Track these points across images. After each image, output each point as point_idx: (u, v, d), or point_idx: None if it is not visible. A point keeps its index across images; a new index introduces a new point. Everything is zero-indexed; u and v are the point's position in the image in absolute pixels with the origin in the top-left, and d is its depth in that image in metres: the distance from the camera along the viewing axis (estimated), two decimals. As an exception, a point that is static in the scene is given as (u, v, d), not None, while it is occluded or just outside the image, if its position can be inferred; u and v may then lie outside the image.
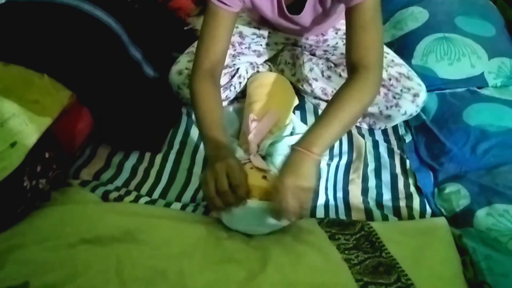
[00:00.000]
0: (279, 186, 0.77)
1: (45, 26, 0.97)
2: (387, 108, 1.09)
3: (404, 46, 1.31)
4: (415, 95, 1.07)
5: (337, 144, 1.12)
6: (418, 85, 1.08)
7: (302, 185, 0.77)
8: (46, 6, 1.00)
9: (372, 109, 1.12)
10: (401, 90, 1.07)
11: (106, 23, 1.05)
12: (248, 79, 1.24)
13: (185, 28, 1.45)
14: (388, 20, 1.48)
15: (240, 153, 0.96)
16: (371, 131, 1.19)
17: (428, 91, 1.16)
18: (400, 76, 1.08)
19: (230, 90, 1.19)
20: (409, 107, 1.08)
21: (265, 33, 1.24)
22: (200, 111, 0.92)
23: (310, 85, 1.22)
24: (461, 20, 1.32)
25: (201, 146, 1.13)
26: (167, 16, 1.41)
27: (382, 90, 1.08)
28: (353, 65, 0.88)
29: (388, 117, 1.12)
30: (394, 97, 1.07)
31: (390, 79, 1.08)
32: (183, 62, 1.15)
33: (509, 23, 1.41)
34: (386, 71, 1.09)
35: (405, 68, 1.11)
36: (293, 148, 0.82)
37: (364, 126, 1.19)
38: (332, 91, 1.15)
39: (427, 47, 1.28)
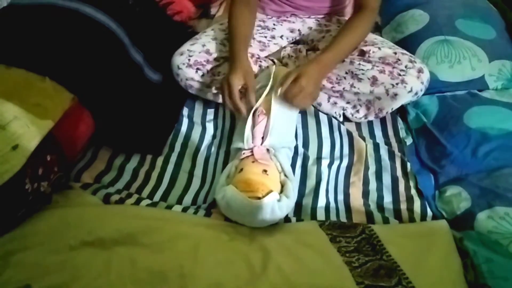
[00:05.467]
0: (302, 69, 1.01)
1: (47, 29, 0.98)
2: (393, 86, 1.09)
3: (404, 49, 1.31)
4: (420, 71, 1.09)
5: (338, 147, 1.12)
6: (421, 63, 1.11)
7: (316, 82, 1.03)
8: (48, 9, 1.00)
9: (378, 90, 1.11)
10: (406, 66, 1.09)
11: (108, 26, 1.06)
12: None
13: (187, 31, 1.45)
14: (389, 23, 1.49)
15: (245, 143, 0.97)
16: (371, 133, 1.19)
17: (428, 93, 1.17)
18: (403, 55, 1.11)
19: None
20: (415, 84, 1.08)
21: (270, 25, 1.27)
22: (231, 27, 1.13)
23: None
24: (461, 23, 1.33)
25: (202, 148, 1.13)
26: (168, 19, 1.41)
27: (387, 68, 1.09)
28: (360, 4, 1.13)
29: (395, 96, 1.11)
30: (400, 74, 1.08)
31: (395, 53, 1.11)
32: (186, 45, 1.19)
33: (509, 26, 1.41)
34: (390, 48, 1.13)
35: (406, 52, 1.14)
36: (311, 59, 1.07)
37: (371, 118, 1.19)
38: (336, 78, 1.16)
39: (427, 49, 1.28)
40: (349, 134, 1.16)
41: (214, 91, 1.21)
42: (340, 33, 1.09)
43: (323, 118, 1.19)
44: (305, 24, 1.30)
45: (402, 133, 1.19)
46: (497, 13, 1.45)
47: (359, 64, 1.11)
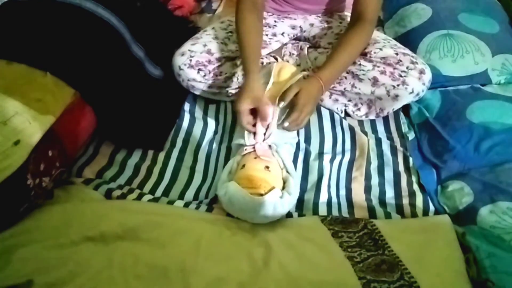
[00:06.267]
0: (303, 85, 1.01)
1: (48, 24, 0.97)
2: (394, 87, 1.09)
3: (407, 43, 1.30)
4: (421, 72, 1.08)
5: (340, 142, 1.12)
6: (422, 63, 1.10)
7: (314, 100, 1.03)
8: (49, 5, 1.00)
9: (379, 91, 1.11)
10: (407, 67, 1.08)
11: (109, 21, 1.05)
12: None
13: (187, 26, 1.45)
14: (391, 17, 1.48)
15: (246, 140, 0.98)
16: (374, 128, 1.18)
17: (431, 88, 1.16)
18: (405, 56, 1.10)
19: (232, 81, 1.20)
20: (416, 85, 1.08)
21: (270, 22, 1.26)
22: (240, 35, 1.08)
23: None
24: (464, 17, 1.32)
25: (203, 143, 1.13)
26: (169, 14, 1.41)
27: (388, 69, 1.08)
28: (358, 16, 1.08)
29: (396, 97, 1.11)
30: (401, 75, 1.08)
31: (397, 54, 1.09)
32: (187, 45, 1.17)
33: (513, 20, 1.41)
34: (391, 47, 1.11)
35: (408, 51, 1.13)
36: (312, 75, 1.05)
37: (372, 117, 1.19)
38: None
39: (430, 44, 1.27)
40: (351, 129, 1.15)
41: (216, 90, 1.21)
42: (338, 48, 1.06)
43: (325, 113, 1.18)
44: (307, 20, 1.29)
45: (404, 128, 1.19)
46: (500, 6, 1.44)
47: (360, 64, 1.10)
